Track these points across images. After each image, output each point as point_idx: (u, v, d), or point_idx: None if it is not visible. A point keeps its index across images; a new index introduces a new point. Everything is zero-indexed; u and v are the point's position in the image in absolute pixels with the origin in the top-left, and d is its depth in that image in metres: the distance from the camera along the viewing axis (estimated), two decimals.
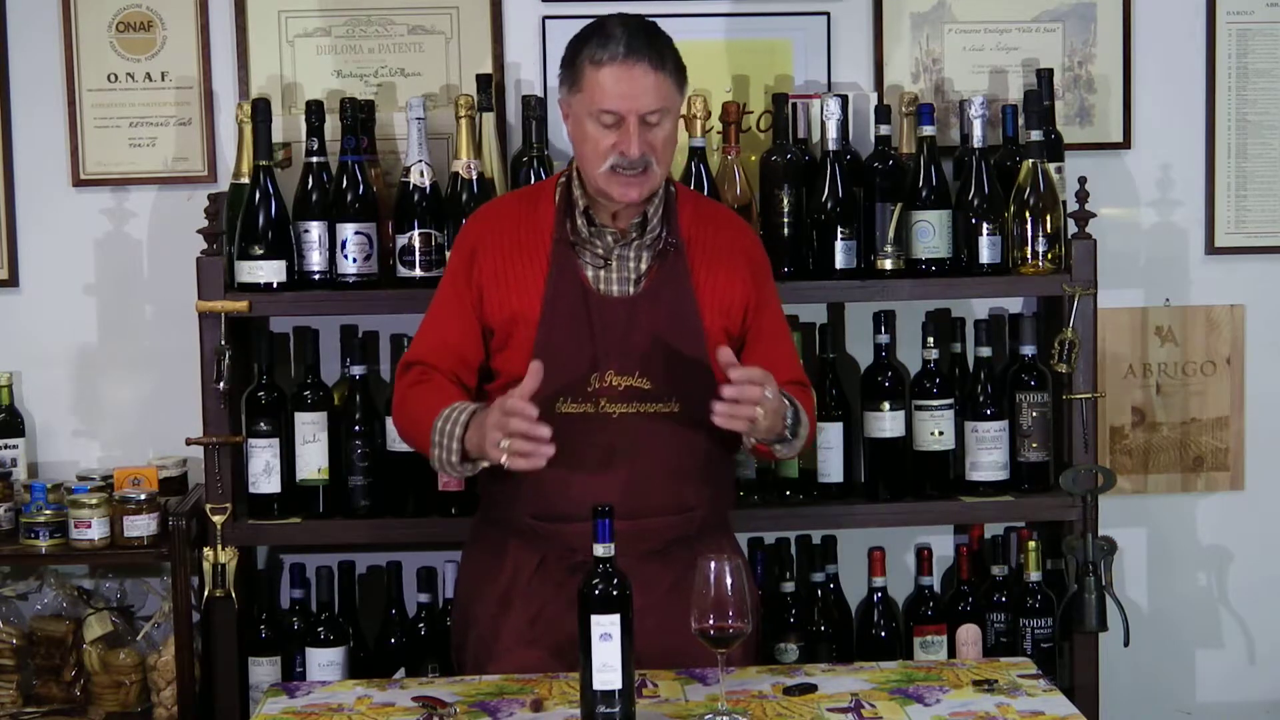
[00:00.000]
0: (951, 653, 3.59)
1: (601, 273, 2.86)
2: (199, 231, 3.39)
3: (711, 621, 2.48)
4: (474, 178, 3.45)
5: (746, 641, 2.96)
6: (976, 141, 3.49)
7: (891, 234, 3.47)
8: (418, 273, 3.41)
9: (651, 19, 2.88)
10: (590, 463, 2.79)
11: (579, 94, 2.80)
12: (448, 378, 2.90)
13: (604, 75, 2.76)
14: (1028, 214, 3.46)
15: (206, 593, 3.39)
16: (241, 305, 3.36)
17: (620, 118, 2.76)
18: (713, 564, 2.49)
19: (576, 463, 2.76)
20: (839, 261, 3.47)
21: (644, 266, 2.87)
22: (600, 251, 2.87)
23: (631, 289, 2.87)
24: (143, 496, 3.41)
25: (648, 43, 2.78)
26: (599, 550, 2.43)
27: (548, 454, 2.64)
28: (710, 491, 2.93)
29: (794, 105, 3.56)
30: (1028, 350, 3.57)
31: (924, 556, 3.64)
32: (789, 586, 3.59)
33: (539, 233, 2.88)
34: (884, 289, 3.47)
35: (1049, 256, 3.47)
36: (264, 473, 3.43)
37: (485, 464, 2.78)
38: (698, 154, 3.44)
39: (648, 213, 2.88)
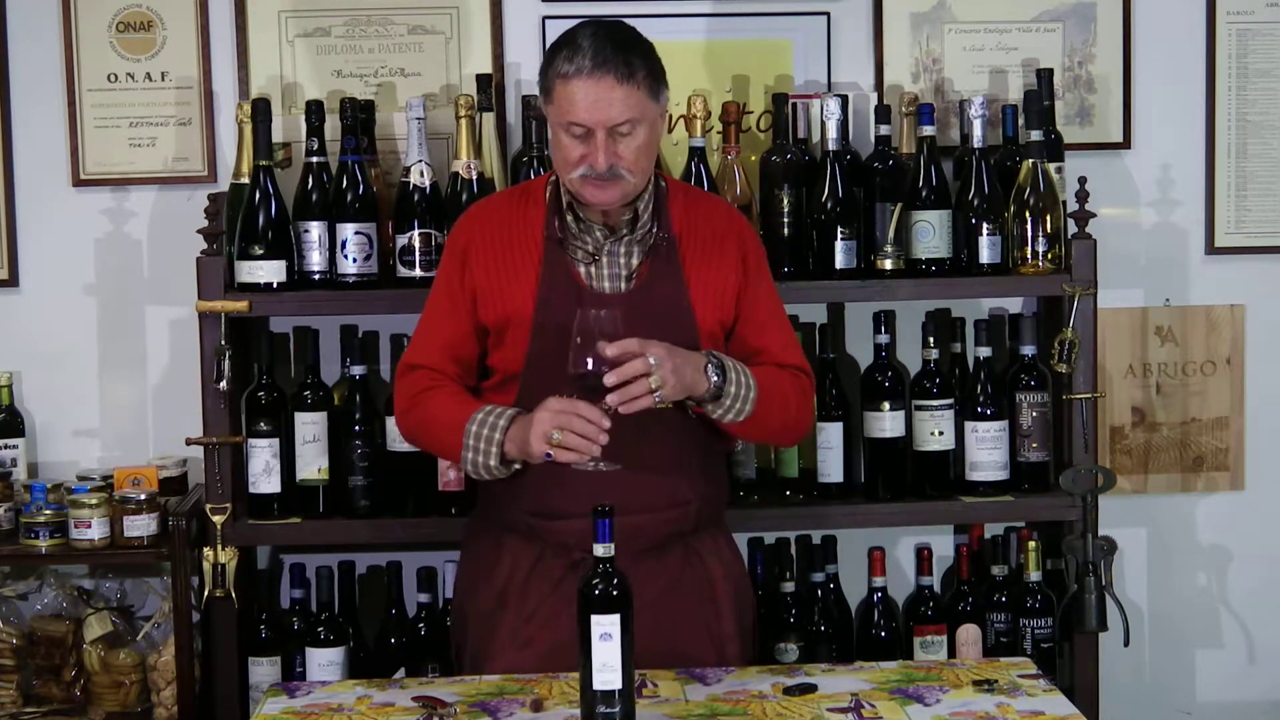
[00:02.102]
0: (951, 653, 3.59)
1: (592, 269, 2.87)
2: (199, 231, 3.39)
3: (590, 367, 2.62)
4: (474, 178, 3.45)
5: (746, 641, 2.98)
6: (976, 141, 3.49)
7: (891, 234, 3.47)
8: (418, 273, 3.41)
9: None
10: None
11: (551, 105, 2.82)
12: (457, 383, 2.90)
13: (571, 88, 2.76)
14: (1028, 214, 3.46)
15: (206, 593, 3.39)
16: (241, 305, 3.36)
17: (588, 130, 2.76)
18: (591, 312, 2.65)
19: None
20: (839, 261, 3.47)
21: (635, 263, 2.88)
22: (590, 248, 2.87)
23: (623, 285, 2.87)
24: (143, 496, 3.41)
25: (615, 53, 2.76)
26: (599, 550, 2.43)
27: (595, 451, 2.66)
28: (706, 487, 2.93)
29: (794, 105, 3.56)
30: (1028, 350, 3.57)
31: (924, 556, 3.64)
32: (789, 586, 3.59)
33: (530, 232, 2.89)
34: (884, 289, 3.47)
35: (1049, 256, 3.47)
36: (264, 473, 3.43)
37: (518, 466, 2.79)
38: (698, 154, 3.44)
39: (639, 209, 2.88)
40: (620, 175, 2.78)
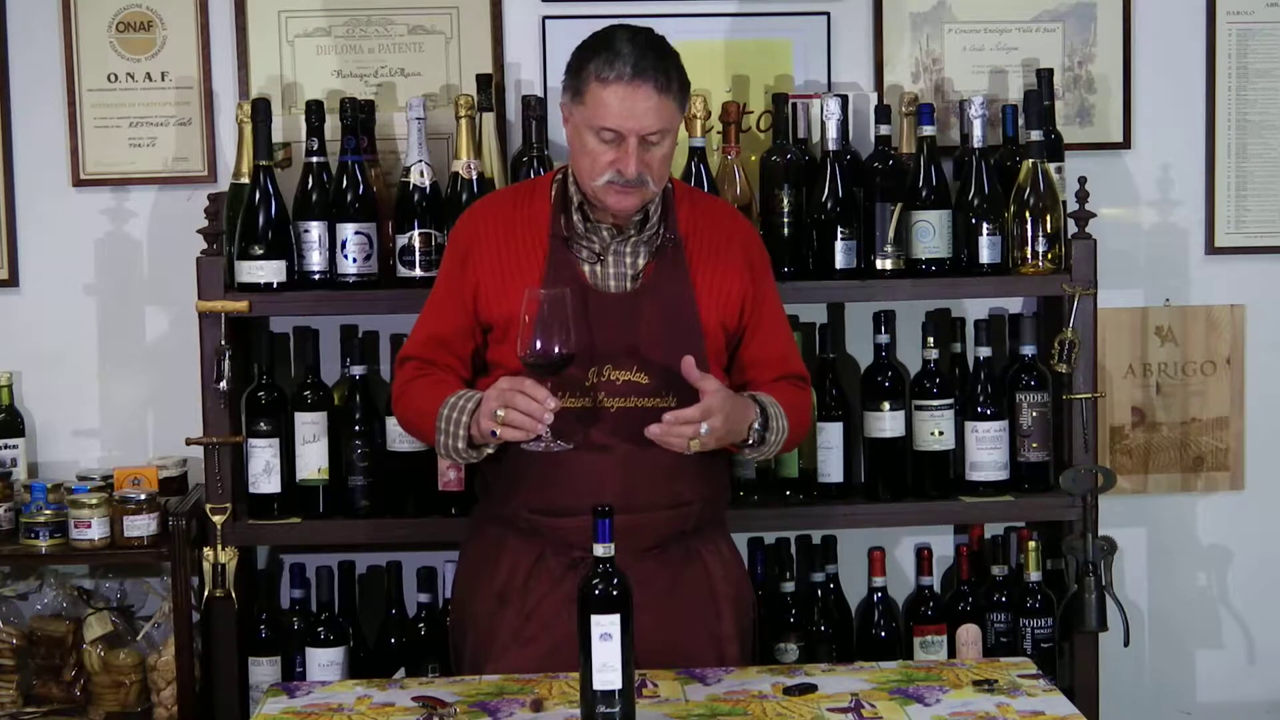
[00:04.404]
0: (951, 653, 3.59)
1: (598, 268, 2.87)
2: (199, 231, 3.39)
3: (539, 348, 2.66)
4: (474, 178, 3.45)
5: (745, 642, 2.98)
6: (976, 141, 3.49)
7: (891, 234, 3.47)
8: (418, 273, 3.41)
9: (653, 25, 2.88)
10: (588, 457, 2.80)
11: (581, 106, 2.81)
12: (445, 371, 2.92)
13: (608, 93, 2.76)
14: (1028, 214, 3.46)
15: (206, 593, 3.39)
16: (241, 305, 3.36)
17: (621, 136, 2.77)
18: (540, 292, 2.67)
19: (574, 456, 2.78)
20: (839, 261, 3.47)
21: (641, 262, 2.88)
22: (596, 247, 2.88)
23: (629, 285, 2.88)
24: (143, 496, 3.40)
25: (654, 64, 2.77)
26: (599, 550, 2.43)
27: (540, 430, 2.67)
28: (706, 487, 2.94)
29: (794, 105, 3.56)
30: (1028, 350, 3.57)
31: (924, 556, 3.64)
32: (789, 586, 3.59)
33: (535, 229, 2.89)
34: (884, 289, 3.47)
35: (1049, 256, 3.47)
36: (264, 473, 3.43)
37: (490, 450, 2.80)
38: (698, 154, 3.44)
39: (648, 210, 2.89)
40: (645, 183, 2.80)
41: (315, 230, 3.43)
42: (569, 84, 2.85)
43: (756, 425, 2.82)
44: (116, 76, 3.66)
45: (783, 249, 3.44)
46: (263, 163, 3.42)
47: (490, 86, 3.54)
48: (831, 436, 3.53)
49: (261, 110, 3.42)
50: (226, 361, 3.34)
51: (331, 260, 3.44)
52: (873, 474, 3.57)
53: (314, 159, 3.45)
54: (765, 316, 2.97)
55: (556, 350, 2.68)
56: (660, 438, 2.70)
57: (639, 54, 2.77)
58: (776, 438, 2.86)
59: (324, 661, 3.45)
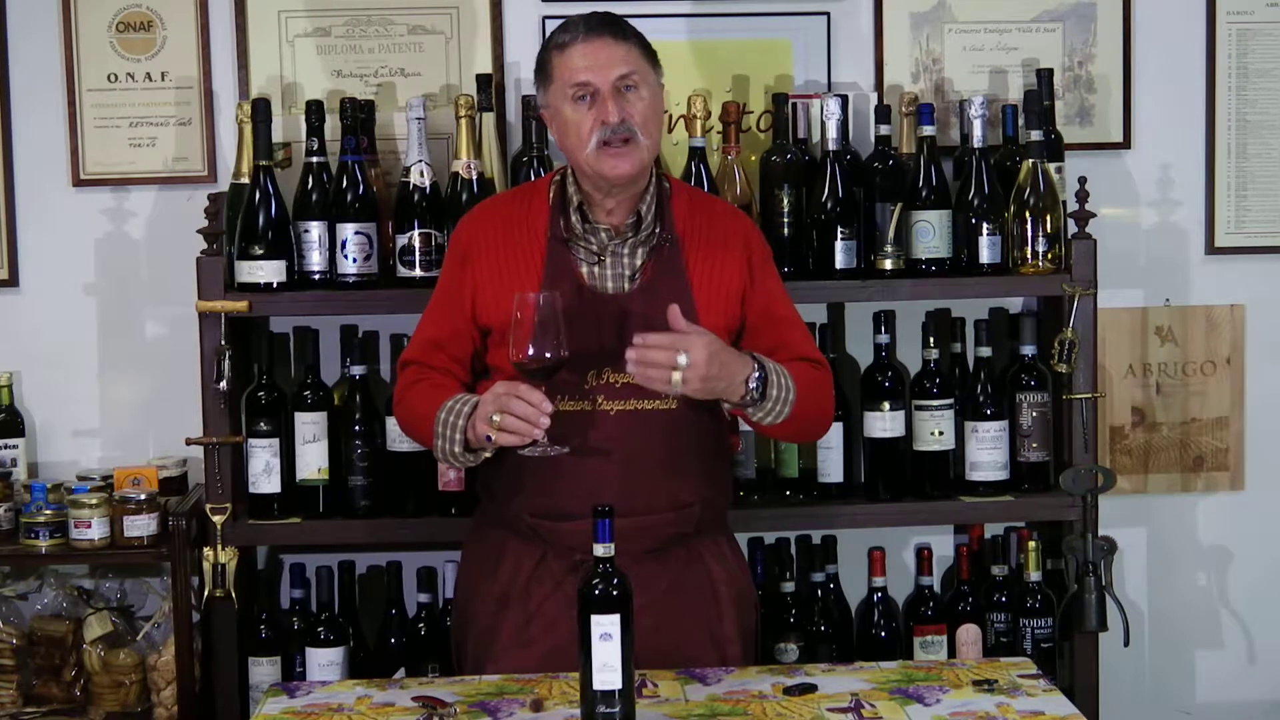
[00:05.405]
0: (951, 653, 3.59)
1: (596, 269, 2.87)
2: (199, 231, 3.39)
3: (531, 353, 2.66)
4: (474, 178, 3.45)
5: (747, 644, 2.98)
6: (976, 141, 3.49)
7: (891, 234, 3.47)
8: (418, 273, 3.41)
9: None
10: (588, 460, 2.80)
11: (552, 84, 2.85)
12: (445, 375, 2.92)
13: (569, 54, 2.81)
14: (1028, 214, 3.46)
15: (206, 593, 3.39)
16: (241, 305, 3.36)
17: (594, 89, 2.79)
18: (530, 296, 2.69)
19: (574, 460, 2.78)
20: (839, 261, 3.47)
21: (639, 262, 2.88)
22: (594, 248, 2.88)
23: (627, 285, 2.87)
24: (143, 496, 3.41)
25: (608, 22, 2.84)
26: (599, 550, 2.43)
27: (537, 434, 2.66)
28: (707, 489, 2.93)
29: (794, 105, 3.56)
30: (1028, 350, 3.57)
31: (924, 556, 3.64)
32: (789, 586, 3.59)
33: (533, 231, 2.90)
34: (884, 289, 3.47)
35: (1049, 256, 3.47)
36: (264, 473, 3.43)
37: (487, 454, 2.80)
38: (698, 154, 3.44)
39: (641, 210, 2.89)
40: (634, 135, 2.79)
41: (315, 230, 3.43)
42: (538, 79, 2.90)
43: (754, 381, 2.74)
44: (116, 76, 3.66)
45: (783, 249, 3.44)
46: (263, 163, 3.42)
47: (490, 86, 3.54)
48: (831, 436, 3.52)
49: (261, 110, 3.42)
50: (226, 361, 3.35)
51: (331, 260, 3.44)
52: (873, 474, 3.57)
53: (314, 159, 3.45)
54: (769, 309, 2.94)
55: (549, 355, 2.68)
56: (640, 373, 2.65)
57: (590, 18, 2.84)
58: (781, 395, 2.77)
59: (324, 661, 3.45)
